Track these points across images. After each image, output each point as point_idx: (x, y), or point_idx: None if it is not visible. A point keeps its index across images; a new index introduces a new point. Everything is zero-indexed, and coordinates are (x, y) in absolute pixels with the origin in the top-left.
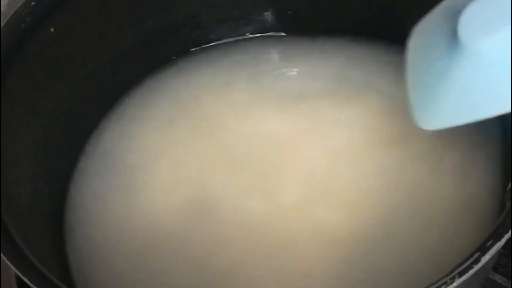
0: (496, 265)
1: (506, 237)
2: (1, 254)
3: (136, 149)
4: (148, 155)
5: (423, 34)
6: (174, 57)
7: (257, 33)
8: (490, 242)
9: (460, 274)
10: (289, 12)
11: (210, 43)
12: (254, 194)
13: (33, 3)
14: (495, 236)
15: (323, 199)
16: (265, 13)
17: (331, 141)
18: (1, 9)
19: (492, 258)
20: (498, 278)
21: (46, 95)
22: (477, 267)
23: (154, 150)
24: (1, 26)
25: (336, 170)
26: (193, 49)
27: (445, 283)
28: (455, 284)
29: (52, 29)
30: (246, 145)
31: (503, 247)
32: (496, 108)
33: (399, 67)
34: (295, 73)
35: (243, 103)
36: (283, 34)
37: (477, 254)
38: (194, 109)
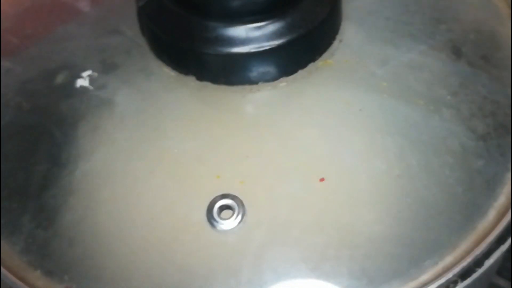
0: (499, 269)
1: (510, 240)
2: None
3: None
4: None
5: None
6: None
7: None
8: (493, 245)
9: (463, 277)
10: None
11: None
12: None
13: None
14: (499, 239)
15: None
16: None
17: None
18: None
19: (495, 261)
20: (502, 282)
21: None
22: (480, 270)
23: None
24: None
25: None
26: None
27: (447, 287)
28: None
29: None
30: None
31: (507, 250)
32: None
33: None
34: None
35: None
36: None
37: (481, 257)
38: None
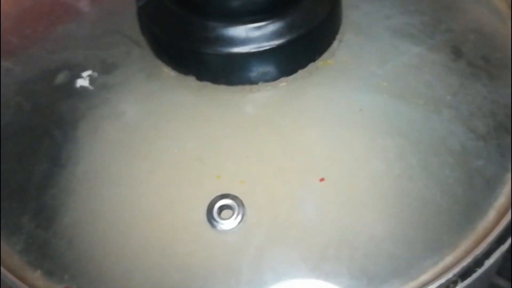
0: (499, 269)
1: (510, 240)
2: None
3: None
4: None
5: None
6: None
7: None
8: (493, 245)
9: (463, 277)
10: None
11: None
12: None
13: None
14: (499, 239)
15: None
16: None
17: None
18: None
19: (495, 261)
20: (502, 282)
21: None
22: (480, 270)
23: None
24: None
25: None
26: None
27: (447, 287)
28: None
29: None
30: None
31: (507, 250)
32: None
33: None
34: None
35: None
36: None
37: (481, 257)
38: None
